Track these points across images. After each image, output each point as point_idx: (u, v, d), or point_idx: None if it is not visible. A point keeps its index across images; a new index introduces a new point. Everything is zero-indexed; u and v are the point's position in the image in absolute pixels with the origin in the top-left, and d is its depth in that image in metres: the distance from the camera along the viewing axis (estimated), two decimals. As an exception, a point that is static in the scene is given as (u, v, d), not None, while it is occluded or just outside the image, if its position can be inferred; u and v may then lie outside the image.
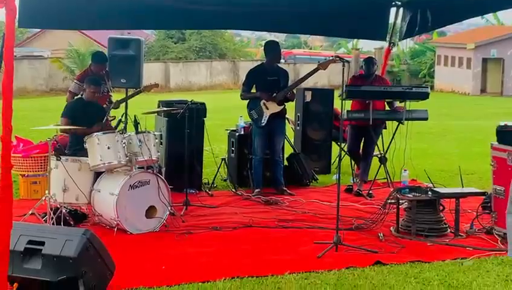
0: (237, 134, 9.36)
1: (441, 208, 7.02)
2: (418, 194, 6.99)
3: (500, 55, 32.65)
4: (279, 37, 54.36)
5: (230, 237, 6.76)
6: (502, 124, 6.79)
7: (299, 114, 10.47)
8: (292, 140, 10.30)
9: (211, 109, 9.46)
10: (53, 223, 6.47)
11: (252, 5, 8.10)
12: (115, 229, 6.69)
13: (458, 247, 6.44)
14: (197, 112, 8.72)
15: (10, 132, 4.70)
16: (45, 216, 6.65)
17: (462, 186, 7.56)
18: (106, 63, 8.54)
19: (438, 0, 8.29)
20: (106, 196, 6.76)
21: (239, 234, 6.90)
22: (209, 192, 8.78)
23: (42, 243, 4.88)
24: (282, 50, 11.97)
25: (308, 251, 6.27)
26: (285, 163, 9.33)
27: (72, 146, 7.27)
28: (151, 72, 27.56)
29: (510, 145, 6.56)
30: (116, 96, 8.75)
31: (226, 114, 16.01)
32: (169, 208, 7.05)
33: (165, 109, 8.53)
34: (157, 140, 7.28)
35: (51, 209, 6.60)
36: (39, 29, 34.30)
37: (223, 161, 9.40)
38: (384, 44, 10.46)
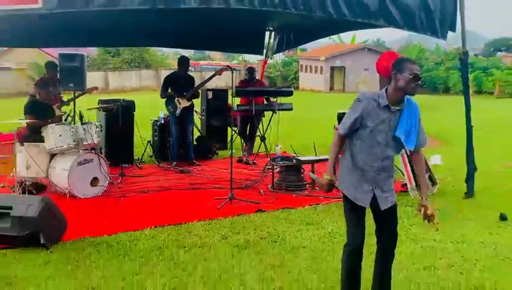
0: (159, 123, 9.22)
1: (302, 170, 7.24)
2: (286, 162, 7.17)
3: (342, 64, 33.77)
4: (189, 51, 53.63)
5: (154, 198, 6.67)
6: (341, 111, 7.04)
7: (203, 107, 10.44)
8: (199, 126, 10.27)
9: (139, 105, 9.23)
10: (19, 193, 6.16)
11: (167, 29, 8.03)
12: (68, 195, 6.44)
13: (313, 197, 6.66)
14: (128, 107, 8.50)
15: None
16: (13, 188, 6.30)
17: (316, 155, 7.78)
18: (57, 68, 8.13)
19: (297, 26, 8.43)
20: (60, 171, 6.49)
21: (161, 195, 6.83)
22: (139, 165, 8.60)
23: (10, 208, 4.67)
24: (191, 61, 11.83)
25: (211, 204, 6.29)
26: (194, 143, 9.29)
27: (32, 135, 6.90)
28: (94, 78, 26.46)
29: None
30: (66, 97, 8.37)
31: (151, 109, 15.58)
32: (108, 178, 6.87)
33: (103, 105, 8.28)
34: (97, 129, 7.04)
35: (18, 182, 6.28)
36: (6, 47, 32.07)
37: (149, 143, 9.24)
38: (263, 57, 10.58)
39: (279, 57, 37.58)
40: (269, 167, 7.37)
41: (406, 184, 6.78)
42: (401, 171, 7.10)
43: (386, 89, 3.33)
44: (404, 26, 6.11)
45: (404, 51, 38.66)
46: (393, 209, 3.43)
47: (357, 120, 3.30)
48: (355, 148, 3.37)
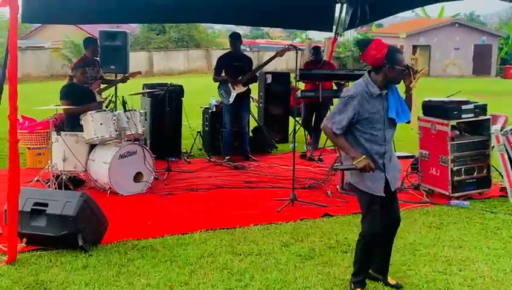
0: (210, 111, 9.34)
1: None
2: (359, 158, 7.06)
3: (427, 43, 32.93)
4: (245, 29, 54.00)
5: (205, 197, 6.79)
6: (426, 99, 6.89)
7: (261, 93, 10.48)
8: (256, 115, 10.32)
9: (188, 91, 9.38)
10: (55, 188, 6.43)
11: (222, 2, 8.07)
12: (108, 192, 6.67)
13: (391, 201, 6.54)
14: (176, 93, 8.67)
15: (16, 111, 4.63)
16: (48, 182, 6.59)
17: (395, 151, 7.62)
18: (96, 45, 8.33)
19: (374, -3, 8.29)
20: (100, 164, 6.72)
21: (212, 194, 6.94)
22: (187, 160, 8.77)
23: (46, 205, 4.89)
24: (248, 40, 11.88)
25: (269, 206, 6.34)
26: (251, 134, 9.36)
27: (69, 123, 7.18)
28: (137, 60, 27.15)
29: (432, 116, 6.67)
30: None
31: (201, 94, 15.84)
32: (153, 173, 7.04)
33: (148, 90, 8.48)
34: (142, 117, 7.23)
35: (53, 176, 6.56)
36: (40, 24, 33.50)
37: (199, 134, 9.39)
38: (332, 34, 10.47)
39: (351, 34, 37.22)
40: (338, 163, 7.30)
41: (505, 188, 6.54)
42: (499, 173, 6.86)
43: (370, 76, 3.92)
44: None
45: (504, 27, 37.23)
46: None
47: (354, 117, 3.86)
48: (357, 140, 3.92)
